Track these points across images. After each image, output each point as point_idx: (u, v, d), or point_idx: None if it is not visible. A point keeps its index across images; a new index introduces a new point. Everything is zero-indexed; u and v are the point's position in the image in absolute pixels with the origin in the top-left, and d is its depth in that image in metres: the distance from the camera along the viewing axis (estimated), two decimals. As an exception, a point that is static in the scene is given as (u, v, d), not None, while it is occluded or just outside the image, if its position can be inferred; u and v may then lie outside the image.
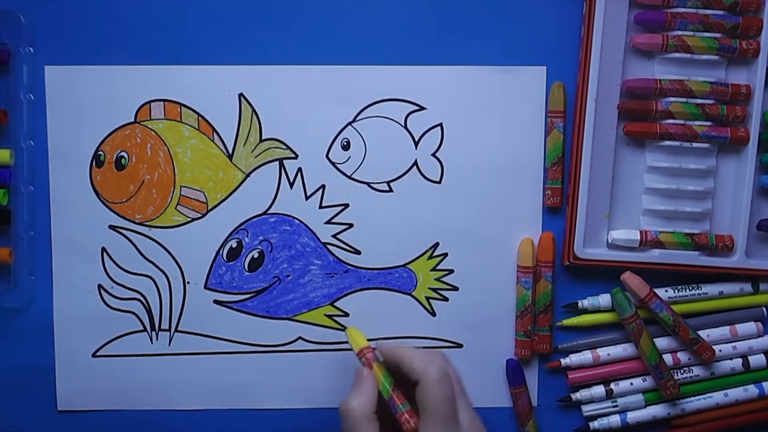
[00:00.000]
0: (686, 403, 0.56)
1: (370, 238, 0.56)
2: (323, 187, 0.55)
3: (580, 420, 0.57)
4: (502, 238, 0.56)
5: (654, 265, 0.55)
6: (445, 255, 0.56)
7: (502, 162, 0.55)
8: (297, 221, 0.55)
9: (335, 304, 0.56)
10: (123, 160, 0.55)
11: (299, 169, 0.55)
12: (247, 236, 0.55)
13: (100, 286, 0.55)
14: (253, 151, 0.55)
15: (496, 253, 0.56)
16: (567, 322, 0.56)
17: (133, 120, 0.55)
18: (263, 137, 0.55)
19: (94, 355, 0.56)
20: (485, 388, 0.57)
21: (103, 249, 0.55)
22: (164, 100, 0.55)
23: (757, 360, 0.57)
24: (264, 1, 0.54)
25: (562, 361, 0.56)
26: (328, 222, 0.55)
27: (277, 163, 0.55)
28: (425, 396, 0.46)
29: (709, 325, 0.56)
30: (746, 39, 0.54)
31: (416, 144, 0.55)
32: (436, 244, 0.56)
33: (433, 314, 0.56)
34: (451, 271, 0.56)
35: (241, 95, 0.55)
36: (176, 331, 0.56)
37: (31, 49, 0.54)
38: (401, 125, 0.55)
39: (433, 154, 0.55)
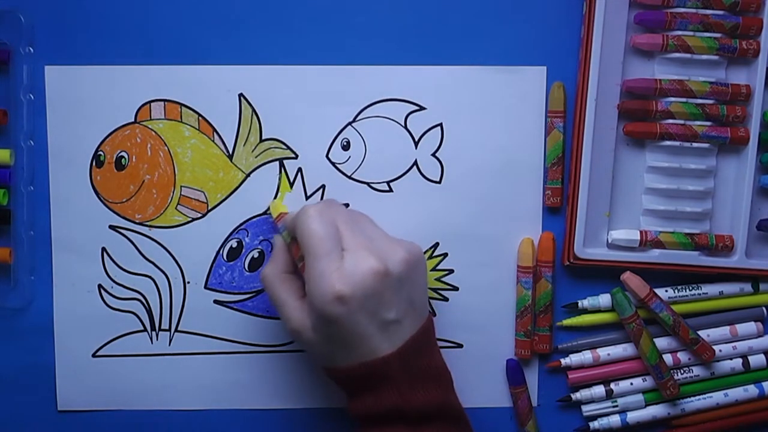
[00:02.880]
0: (686, 403, 0.56)
1: (370, 238, 0.56)
2: (323, 187, 0.55)
3: (580, 420, 0.57)
4: (502, 238, 0.56)
5: (654, 265, 0.55)
6: (445, 255, 0.56)
7: (502, 162, 0.55)
8: (297, 221, 0.55)
9: (335, 304, 0.56)
10: (123, 160, 0.55)
11: (299, 169, 0.55)
12: (248, 236, 0.55)
13: (100, 286, 0.55)
14: (253, 151, 0.55)
15: (496, 253, 0.56)
16: (567, 322, 0.56)
17: (133, 120, 0.55)
18: (263, 137, 0.55)
19: (94, 355, 0.56)
20: (485, 388, 0.57)
21: (103, 249, 0.55)
22: (164, 100, 0.55)
23: (757, 360, 0.57)
24: (264, 1, 0.54)
25: (562, 361, 0.56)
26: (328, 222, 0.55)
27: (277, 163, 0.55)
28: (299, 236, 0.47)
29: (709, 325, 0.56)
30: (746, 39, 0.54)
31: (416, 144, 0.55)
32: (436, 244, 0.56)
33: (434, 314, 0.56)
34: (451, 271, 0.56)
35: (241, 95, 0.55)
36: (176, 331, 0.56)
37: (31, 49, 0.54)
38: (401, 125, 0.55)
39: (433, 154, 0.55)
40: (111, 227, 0.55)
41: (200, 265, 0.56)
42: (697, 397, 0.56)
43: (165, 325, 0.56)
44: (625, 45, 0.54)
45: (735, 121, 0.54)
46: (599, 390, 0.56)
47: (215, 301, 0.56)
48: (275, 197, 0.55)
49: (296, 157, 0.55)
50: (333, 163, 0.55)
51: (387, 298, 0.46)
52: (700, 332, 0.56)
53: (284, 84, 0.55)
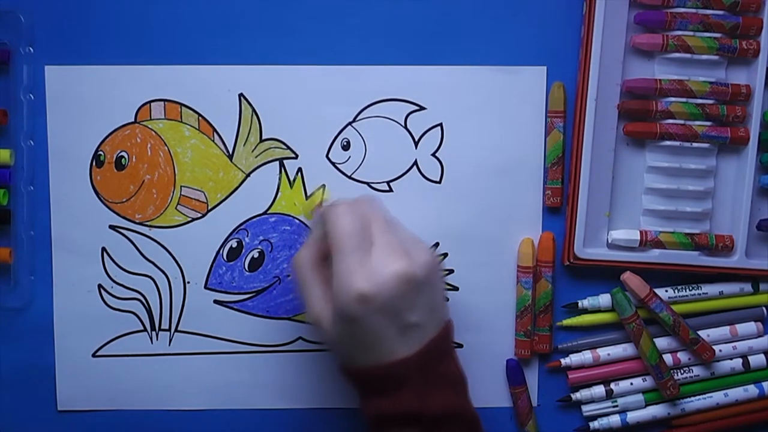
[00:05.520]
0: (686, 403, 0.56)
1: (370, 238, 0.55)
2: (323, 187, 0.55)
3: (580, 420, 0.57)
4: (502, 238, 0.56)
5: (654, 265, 0.55)
6: (445, 255, 0.56)
7: (502, 162, 0.55)
8: (297, 221, 0.55)
9: (335, 304, 0.56)
10: (123, 160, 0.55)
11: (299, 169, 0.55)
12: (247, 236, 0.55)
13: (100, 286, 0.55)
14: (253, 151, 0.55)
15: (496, 253, 0.56)
16: (567, 322, 0.56)
17: (133, 120, 0.55)
18: (263, 137, 0.55)
19: (94, 355, 0.56)
20: (485, 388, 0.57)
21: (103, 249, 0.55)
22: (164, 100, 0.55)
23: (757, 360, 0.57)
24: (264, 1, 0.54)
25: (562, 361, 0.56)
26: (328, 222, 0.55)
27: (277, 163, 0.55)
28: (327, 230, 0.46)
29: (709, 325, 0.56)
30: (746, 39, 0.54)
31: (416, 144, 0.55)
32: (436, 244, 0.56)
33: (433, 314, 0.56)
34: (451, 271, 0.56)
35: (241, 95, 0.55)
36: (176, 331, 0.56)
37: (31, 49, 0.54)
38: (401, 125, 0.55)
39: (433, 154, 0.55)
40: (111, 227, 0.55)
41: (200, 265, 0.56)
42: (697, 397, 0.56)
43: (165, 325, 0.56)
44: (625, 45, 0.54)
45: (735, 121, 0.54)
46: (599, 390, 0.56)
47: (215, 301, 0.56)
48: (275, 197, 0.55)
49: (296, 157, 0.55)
50: (333, 163, 0.55)
51: (410, 301, 0.45)
52: (700, 332, 0.56)
53: (284, 84, 0.55)
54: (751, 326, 0.57)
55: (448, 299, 0.56)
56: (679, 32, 0.53)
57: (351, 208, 0.46)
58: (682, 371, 0.56)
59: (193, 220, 0.55)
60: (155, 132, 0.55)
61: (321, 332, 0.47)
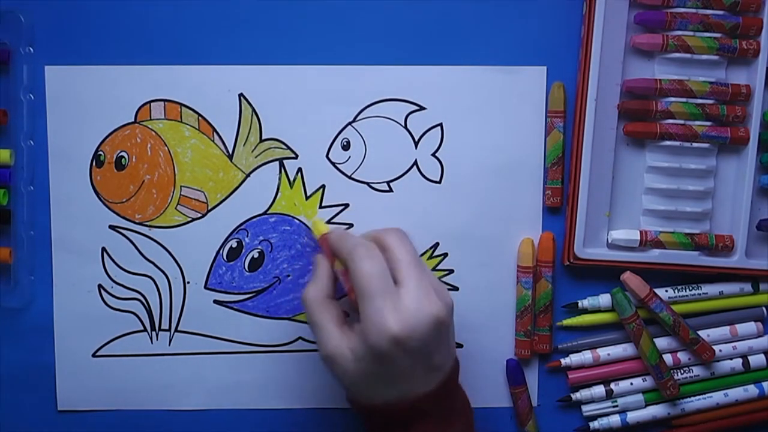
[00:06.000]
0: (686, 403, 0.56)
1: (370, 238, 0.55)
2: (323, 187, 0.55)
3: (580, 420, 0.57)
4: (502, 238, 0.56)
5: (654, 265, 0.55)
6: (445, 255, 0.56)
7: (502, 162, 0.55)
8: (297, 221, 0.55)
9: (335, 304, 0.56)
10: (123, 160, 0.55)
11: (299, 169, 0.55)
12: (247, 236, 0.55)
13: (100, 286, 0.55)
14: (253, 151, 0.55)
15: (496, 253, 0.56)
16: (567, 322, 0.56)
17: (133, 120, 0.55)
18: (263, 137, 0.55)
19: (94, 355, 0.56)
20: (485, 388, 0.57)
21: (103, 249, 0.55)
22: (164, 100, 0.55)
23: (757, 360, 0.57)
24: (264, 1, 0.54)
25: (562, 361, 0.56)
26: (329, 222, 0.55)
27: (277, 163, 0.55)
28: (352, 274, 0.46)
29: (709, 325, 0.56)
30: (746, 39, 0.54)
31: (416, 144, 0.55)
32: (436, 244, 0.56)
33: (433, 314, 0.56)
34: (451, 271, 0.56)
35: (241, 95, 0.55)
36: (176, 331, 0.56)
37: (31, 49, 0.54)
38: (401, 125, 0.55)
39: (433, 154, 0.55)
40: (111, 227, 0.55)
41: (200, 265, 0.56)
42: (697, 397, 0.56)
43: (165, 325, 0.56)
44: (625, 45, 0.54)
45: (735, 121, 0.54)
46: (599, 390, 0.56)
47: (215, 301, 0.56)
48: (275, 197, 0.55)
49: (296, 157, 0.55)
50: (333, 163, 0.55)
51: (438, 343, 0.46)
52: (700, 332, 0.56)
53: (284, 84, 0.55)
54: (751, 326, 0.57)
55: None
56: (679, 32, 0.53)
57: (371, 248, 0.46)
58: (682, 371, 0.56)
59: (193, 220, 0.55)
60: (155, 132, 0.55)
61: (336, 368, 0.47)
